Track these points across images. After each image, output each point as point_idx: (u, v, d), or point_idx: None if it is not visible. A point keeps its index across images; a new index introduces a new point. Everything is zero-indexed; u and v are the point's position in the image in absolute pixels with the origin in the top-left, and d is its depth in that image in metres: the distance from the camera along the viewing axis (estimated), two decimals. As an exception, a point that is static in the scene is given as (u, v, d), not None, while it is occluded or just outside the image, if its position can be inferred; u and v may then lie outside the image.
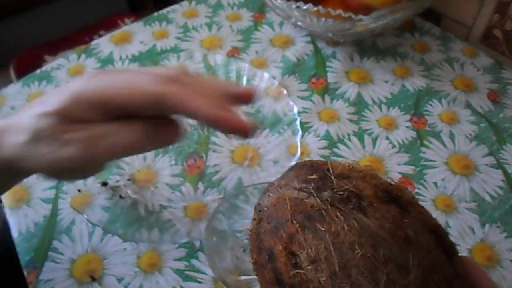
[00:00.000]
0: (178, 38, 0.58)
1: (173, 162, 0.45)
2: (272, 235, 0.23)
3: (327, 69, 0.54)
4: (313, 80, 0.53)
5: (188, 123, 0.48)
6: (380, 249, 0.20)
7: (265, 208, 0.25)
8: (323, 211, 0.22)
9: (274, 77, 0.50)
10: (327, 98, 0.51)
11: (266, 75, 0.49)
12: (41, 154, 0.25)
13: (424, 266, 0.20)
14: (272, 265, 0.23)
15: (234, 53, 0.56)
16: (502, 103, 0.50)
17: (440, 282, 0.20)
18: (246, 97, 0.30)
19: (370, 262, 0.20)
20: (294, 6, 0.46)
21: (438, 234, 0.22)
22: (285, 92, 0.47)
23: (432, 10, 0.60)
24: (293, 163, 0.45)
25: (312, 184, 0.23)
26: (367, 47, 0.56)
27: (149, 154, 0.46)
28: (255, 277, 0.34)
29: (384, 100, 0.51)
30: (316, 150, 0.46)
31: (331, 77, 0.53)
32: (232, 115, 0.26)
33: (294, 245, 0.22)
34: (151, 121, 0.27)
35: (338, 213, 0.21)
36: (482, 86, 0.52)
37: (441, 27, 0.60)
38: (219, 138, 0.47)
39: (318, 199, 0.22)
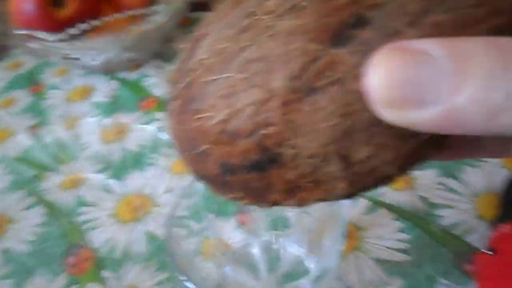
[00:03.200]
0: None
1: (49, 278, 0.31)
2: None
3: (147, 88, 0.47)
4: (142, 104, 0.45)
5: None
6: None
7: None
8: None
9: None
10: (169, 108, 0.44)
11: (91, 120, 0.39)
12: None
13: None
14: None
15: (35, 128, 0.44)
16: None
17: None
18: None
19: None
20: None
21: None
22: (126, 122, 0.39)
23: None
24: (186, 180, 0.37)
25: None
26: (168, 51, 0.52)
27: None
28: None
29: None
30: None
31: (158, 91, 0.47)
32: None
33: None
34: None
35: None
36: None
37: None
38: (90, 210, 0.35)
39: None
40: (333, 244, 0.21)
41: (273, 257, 0.30)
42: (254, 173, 0.15)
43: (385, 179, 0.15)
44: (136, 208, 0.35)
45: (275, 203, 0.16)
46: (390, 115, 0.12)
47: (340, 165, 0.14)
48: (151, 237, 0.33)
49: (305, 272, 0.28)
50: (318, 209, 0.29)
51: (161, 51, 0.52)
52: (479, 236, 0.31)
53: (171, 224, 0.25)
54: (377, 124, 0.13)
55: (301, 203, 0.16)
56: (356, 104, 0.13)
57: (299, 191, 0.15)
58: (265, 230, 0.31)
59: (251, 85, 0.14)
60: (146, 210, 0.35)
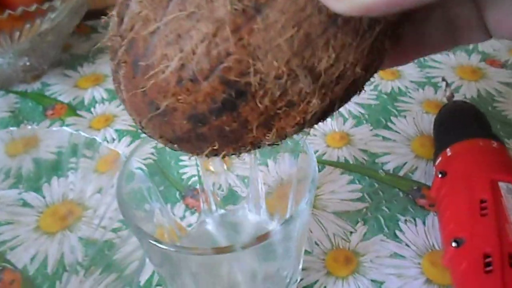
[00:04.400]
0: None
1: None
2: None
3: (52, 96, 0.42)
4: (50, 113, 0.40)
5: None
6: None
7: None
8: None
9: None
10: (82, 112, 0.40)
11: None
12: None
13: None
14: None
15: None
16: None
17: None
18: None
19: None
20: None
21: None
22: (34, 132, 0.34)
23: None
24: (114, 177, 0.33)
25: None
26: (69, 59, 0.48)
27: None
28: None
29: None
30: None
31: (66, 97, 0.42)
32: None
33: None
34: None
35: None
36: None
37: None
38: (7, 229, 0.30)
39: None
40: (303, 202, 0.19)
41: (232, 229, 0.27)
42: (225, 115, 0.14)
43: (354, 85, 0.15)
44: (64, 217, 0.31)
45: (255, 143, 0.15)
46: (345, 5, 0.11)
47: (308, 79, 0.14)
48: (88, 243, 0.29)
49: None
50: (271, 176, 0.28)
51: (61, 58, 0.48)
52: (421, 172, 0.32)
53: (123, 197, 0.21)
54: (332, 25, 0.13)
55: (280, 135, 0.15)
56: (307, 9, 0.13)
57: (275, 121, 0.15)
58: (218, 207, 0.29)
59: (196, 21, 0.13)
60: (76, 216, 0.31)
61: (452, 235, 0.23)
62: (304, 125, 0.15)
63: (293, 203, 0.25)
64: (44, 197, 0.32)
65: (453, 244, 0.22)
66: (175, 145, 0.16)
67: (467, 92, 0.39)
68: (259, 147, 0.15)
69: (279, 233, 0.17)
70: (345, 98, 0.14)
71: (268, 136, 0.15)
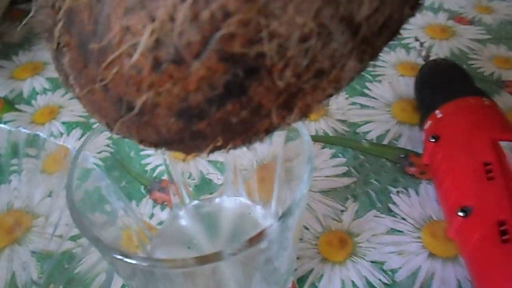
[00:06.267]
0: None
1: None
2: None
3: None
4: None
5: None
6: None
7: None
8: None
9: None
10: (22, 105, 0.35)
11: None
12: None
13: None
14: None
15: None
16: None
17: None
18: None
19: None
20: None
21: None
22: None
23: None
24: (64, 176, 0.29)
25: None
26: (1, 48, 0.42)
27: None
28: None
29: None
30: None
31: (1, 91, 0.37)
32: None
33: None
34: None
35: None
36: None
37: None
38: None
39: None
40: (302, 188, 0.16)
41: (209, 221, 0.24)
42: (230, 103, 0.10)
43: (396, 33, 0.11)
44: (11, 229, 0.26)
45: (271, 129, 0.12)
46: None
47: (345, 35, 0.10)
48: (43, 256, 0.25)
49: (255, 223, 0.23)
50: (248, 159, 0.24)
51: (-9, 48, 0.42)
52: (406, 138, 0.29)
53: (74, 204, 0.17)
54: None
55: (304, 113, 0.11)
56: None
57: (299, 98, 0.11)
58: (191, 198, 0.25)
59: None
60: (25, 226, 0.26)
61: (458, 204, 0.21)
62: (334, 94, 0.11)
63: (280, 185, 0.22)
64: (-16, 209, 0.27)
65: (460, 214, 0.20)
66: (163, 148, 0.13)
67: (439, 51, 0.37)
68: (274, 132, 0.12)
69: (277, 229, 0.14)
70: (382, 50, 0.11)
71: (289, 119, 0.11)
